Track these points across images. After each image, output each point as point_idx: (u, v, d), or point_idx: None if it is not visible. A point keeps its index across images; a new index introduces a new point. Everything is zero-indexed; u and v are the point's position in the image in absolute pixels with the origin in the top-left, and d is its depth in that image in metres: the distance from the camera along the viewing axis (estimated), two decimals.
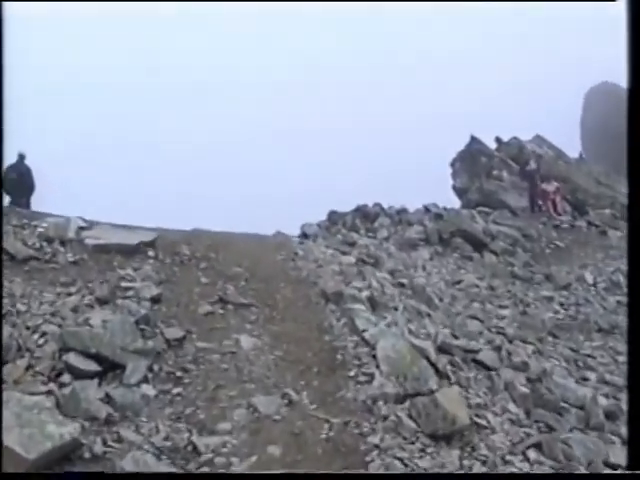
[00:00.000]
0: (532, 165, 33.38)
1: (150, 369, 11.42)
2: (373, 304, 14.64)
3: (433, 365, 12.20)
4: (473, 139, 36.89)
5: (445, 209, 30.20)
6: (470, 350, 13.68)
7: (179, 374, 11.54)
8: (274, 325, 13.63)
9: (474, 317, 16.95)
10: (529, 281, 23.15)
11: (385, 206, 30.92)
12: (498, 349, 14.42)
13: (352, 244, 21.21)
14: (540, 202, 32.61)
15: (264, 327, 13.50)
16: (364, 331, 13.05)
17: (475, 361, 13.66)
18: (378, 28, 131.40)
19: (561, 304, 21.58)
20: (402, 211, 30.44)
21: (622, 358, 17.78)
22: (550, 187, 32.86)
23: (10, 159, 21.36)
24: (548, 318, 19.58)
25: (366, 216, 29.10)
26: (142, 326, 12.20)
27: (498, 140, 37.88)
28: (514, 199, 33.77)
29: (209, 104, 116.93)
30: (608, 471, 11.80)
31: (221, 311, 13.85)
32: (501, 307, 19.11)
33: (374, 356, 12.27)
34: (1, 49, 9.26)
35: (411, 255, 23.04)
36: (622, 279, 24.67)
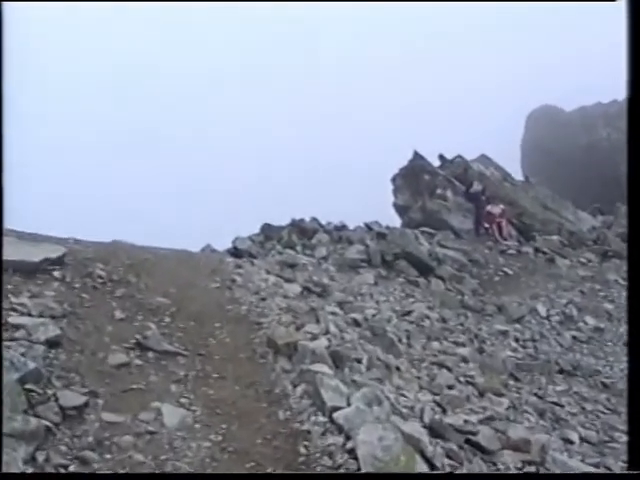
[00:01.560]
0: (478, 186, 31.65)
1: (32, 459, 7.85)
2: (335, 358, 11.67)
3: (429, 462, 9.03)
4: (416, 155, 35.07)
5: (388, 228, 28.28)
6: (466, 431, 11.11)
7: (73, 467, 7.82)
8: (209, 387, 10.49)
9: (441, 364, 14.84)
10: (480, 312, 21.29)
11: (323, 222, 28.95)
12: (490, 419, 12.17)
13: (292, 266, 19.07)
14: (486, 225, 30.94)
15: (195, 390, 10.32)
16: (335, 410, 9.60)
17: (470, 442, 10.85)
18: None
19: (516, 339, 19.78)
20: (341, 228, 28.44)
21: (590, 406, 16.07)
22: (496, 210, 31.22)
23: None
24: (507, 357, 17.70)
25: (303, 232, 26.96)
26: (29, 386, 8.68)
27: (442, 158, 36.19)
28: (458, 221, 32.08)
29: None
30: None
31: (139, 361, 10.75)
32: (458, 344, 17.09)
33: (352, 451, 8.87)
34: (1, 49, 8.89)
35: (354, 279, 20.92)
36: (575, 312, 23.25)
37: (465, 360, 15.95)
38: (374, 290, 19.93)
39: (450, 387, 13.62)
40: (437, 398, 12.60)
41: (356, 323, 15.10)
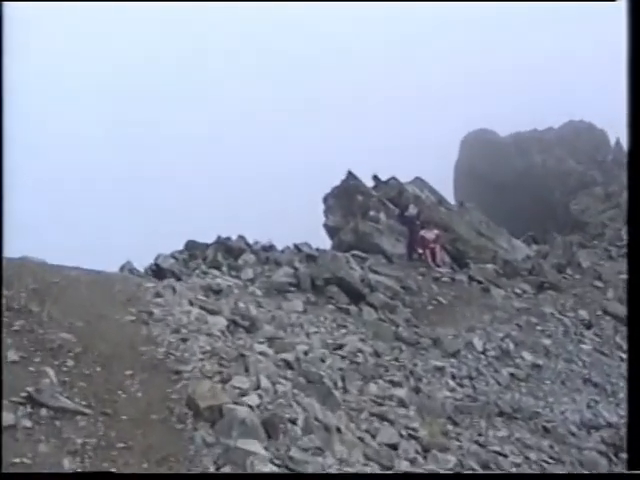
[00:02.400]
0: (413, 210, 30.37)
1: None
2: (267, 426, 9.88)
3: None
4: (350, 175, 33.81)
5: (318, 250, 26.88)
6: None
7: None
8: (111, 462, 8.56)
9: (381, 416, 13.40)
10: (415, 345, 20.01)
11: (250, 240, 27.44)
12: None
13: (217, 292, 17.48)
14: (419, 250, 29.74)
15: (93, 466, 8.39)
16: None
17: None
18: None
19: (453, 376, 18.60)
20: (269, 248, 26.99)
21: (533, 455, 14.91)
22: (430, 235, 30.03)
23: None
24: (445, 398, 16.42)
25: (229, 251, 25.44)
26: None
27: (376, 179, 34.97)
28: (390, 244, 30.81)
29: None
30: None
31: (28, 423, 8.88)
32: (394, 384, 15.75)
33: None
34: (1, 49, 9.10)
35: (282, 306, 19.44)
36: (512, 347, 22.15)
37: (403, 404, 14.62)
38: (304, 319, 18.48)
39: (394, 446, 12.21)
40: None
41: (288, 365, 13.52)
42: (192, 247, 26.14)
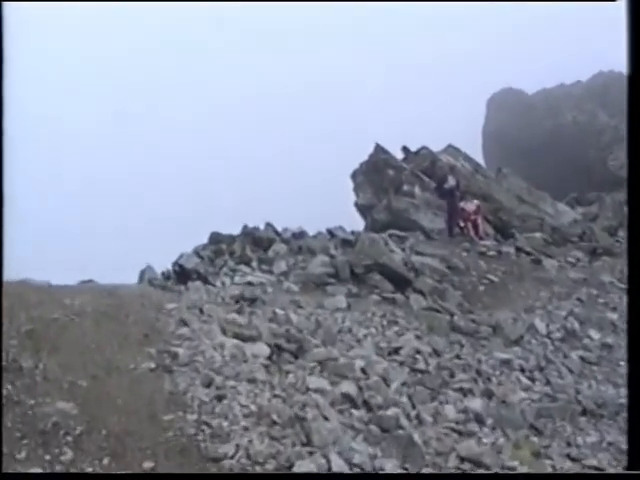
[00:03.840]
0: (452, 181, 28.04)
1: None
2: None
3: None
4: (378, 148, 31.59)
5: (353, 233, 24.79)
6: None
7: None
8: None
9: (471, 461, 11.28)
10: (474, 335, 17.92)
11: (278, 228, 25.37)
12: None
13: (252, 300, 15.39)
14: (461, 224, 27.59)
15: None
16: None
17: None
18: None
19: (522, 369, 16.49)
20: (300, 235, 24.89)
21: None
22: (470, 206, 27.86)
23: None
24: (521, 401, 14.34)
25: (257, 242, 23.34)
26: None
27: (405, 150, 32.70)
28: (428, 220, 28.69)
29: None
30: None
31: None
32: (464, 392, 13.68)
33: None
34: (1, 49, 8.79)
35: (324, 303, 17.38)
36: (577, 326, 20.03)
37: (480, 419, 12.57)
38: (350, 319, 16.37)
39: None
40: None
41: (352, 402, 11.45)
42: (217, 240, 24.02)
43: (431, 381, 13.59)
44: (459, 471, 10.60)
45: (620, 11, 8.50)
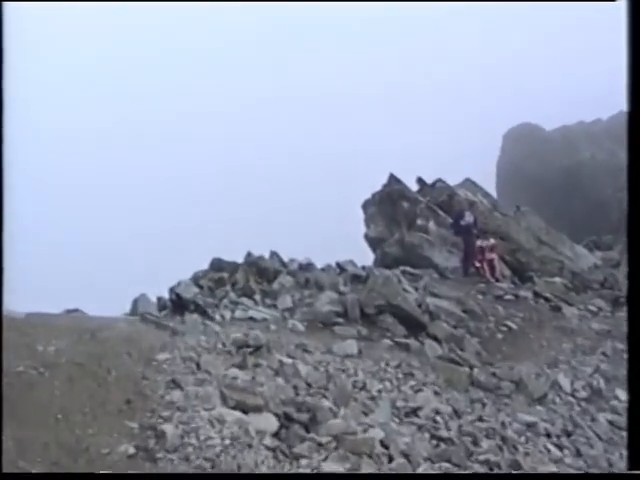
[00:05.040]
0: (468, 218, 26.56)
1: None
2: None
3: None
4: (392, 178, 30.18)
5: (364, 268, 23.28)
6: None
7: None
8: None
9: None
10: (495, 392, 16.35)
11: (284, 258, 23.88)
12: None
13: (257, 348, 13.69)
14: (477, 264, 26.09)
15: None
16: None
17: None
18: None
19: (548, 434, 14.89)
20: (307, 267, 23.39)
21: None
22: (487, 245, 26.44)
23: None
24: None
25: (262, 272, 21.81)
26: None
27: (421, 182, 31.31)
28: (442, 257, 27.26)
29: None
30: None
31: None
32: (492, 466, 12.06)
33: None
34: (1, 49, 8.83)
35: (333, 348, 15.82)
36: (603, 385, 18.45)
37: None
38: (362, 369, 14.73)
39: None
40: None
41: None
42: (218, 267, 22.51)
43: (456, 453, 11.98)
44: None
45: (620, 11, 8.51)
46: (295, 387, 12.31)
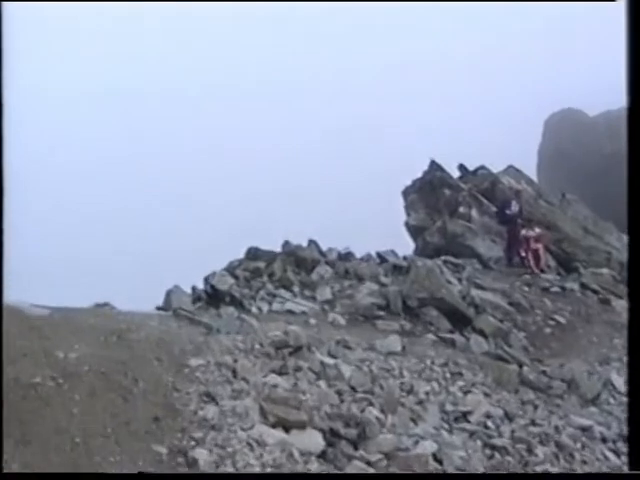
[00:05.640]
0: (514, 207, 25.63)
1: None
2: None
3: None
4: (433, 165, 29.22)
5: (405, 259, 22.45)
6: None
7: None
8: None
9: None
10: (546, 392, 15.48)
11: (323, 246, 23.07)
12: None
13: (297, 349, 12.81)
14: (522, 254, 25.15)
15: None
16: None
17: None
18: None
19: (603, 439, 13.99)
20: (347, 256, 22.60)
21: None
22: (532, 234, 25.48)
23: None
24: None
25: (300, 262, 21.05)
26: None
27: (463, 169, 30.32)
28: (485, 246, 26.29)
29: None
30: None
31: None
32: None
33: None
34: (1, 49, 8.62)
35: (375, 345, 15.01)
36: None
37: None
38: (407, 367, 13.95)
39: None
40: None
41: None
42: (254, 256, 21.76)
43: (511, 464, 11.18)
44: None
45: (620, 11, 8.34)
46: (339, 392, 11.49)
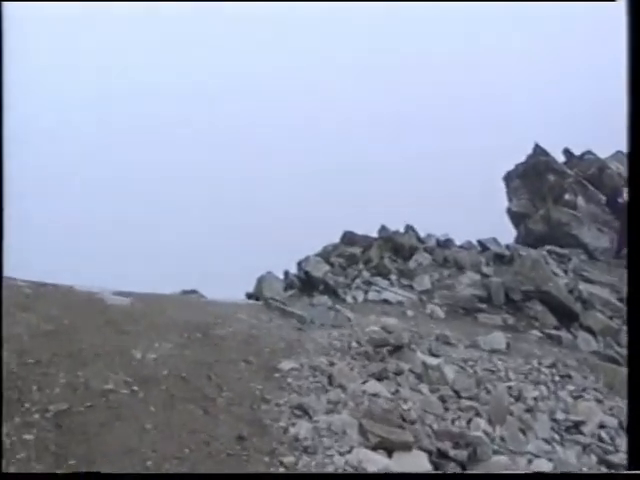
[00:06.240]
0: (626, 195, 24.19)
1: None
2: None
3: None
4: (537, 149, 27.89)
5: (508, 247, 21.35)
6: None
7: None
8: None
9: None
10: None
11: (420, 233, 22.16)
12: None
13: (397, 348, 12.01)
14: None
15: None
16: None
17: None
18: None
19: None
20: (446, 243, 21.67)
21: None
22: None
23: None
24: None
25: (397, 249, 20.23)
26: None
27: (568, 153, 28.89)
28: (591, 236, 24.90)
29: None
30: None
31: None
32: None
33: None
34: (1, 49, 8.65)
35: (478, 342, 14.09)
36: None
37: None
38: (513, 368, 12.97)
39: None
40: None
41: None
42: (350, 241, 21.06)
43: None
44: None
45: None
46: (442, 399, 10.64)
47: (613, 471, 9.68)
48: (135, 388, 8.50)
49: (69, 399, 7.67)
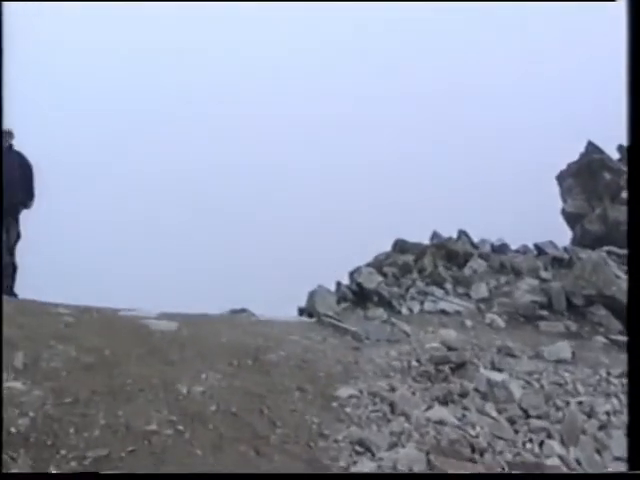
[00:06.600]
0: None
1: None
2: None
3: None
4: (591, 146, 27.13)
5: (567, 250, 20.69)
6: None
7: None
8: None
9: None
10: None
11: (474, 238, 21.60)
12: None
13: (460, 365, 11.50)
14: None
15: None
16: None
17: None
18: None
19: None
20: (501, 248, 21.06)
21: None
22: None
23: None
24: None
25: (451, 256, 19.71)
26: None
27: (622, 150, 27.99)
28: None
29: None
30: None
31: None
32: None
33: None
34: (1, 49, 8.76)
35: (542, 352, 13.48)
36: None
37: None
38: (581, 380, 12.34)
39: None
40: None
41: None
42: (402, 249, 20.58)
43: None
44: None
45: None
46: (511, 420, 10.03)
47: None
48: (180, 428, 7.70)
49: (109, 443, 7.09)
